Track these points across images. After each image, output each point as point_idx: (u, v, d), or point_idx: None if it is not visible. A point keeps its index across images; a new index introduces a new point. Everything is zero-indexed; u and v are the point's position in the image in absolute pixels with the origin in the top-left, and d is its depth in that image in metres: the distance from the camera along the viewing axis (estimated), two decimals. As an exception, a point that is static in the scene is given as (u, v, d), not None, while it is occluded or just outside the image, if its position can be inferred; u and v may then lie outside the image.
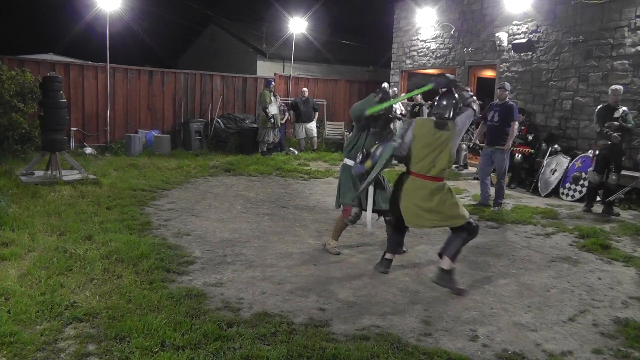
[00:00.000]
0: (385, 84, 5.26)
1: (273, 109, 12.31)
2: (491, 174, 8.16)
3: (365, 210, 5.05)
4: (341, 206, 5.34)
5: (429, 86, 4.71)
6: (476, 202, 8.09)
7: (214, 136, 13.41)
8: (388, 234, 5.21)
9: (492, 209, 7.70)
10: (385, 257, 4.92)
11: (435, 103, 4.56)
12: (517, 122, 7.96)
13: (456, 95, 4.54)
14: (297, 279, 4.61)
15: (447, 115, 4.43)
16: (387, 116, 5.10)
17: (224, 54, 19.15)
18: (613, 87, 8.00)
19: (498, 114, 7.84)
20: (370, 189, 4.96)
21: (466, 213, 4.46)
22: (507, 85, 8.21)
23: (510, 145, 7.93)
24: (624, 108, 7.88)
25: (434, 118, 4.50)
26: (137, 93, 12.79)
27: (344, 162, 5.31)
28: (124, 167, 9.88)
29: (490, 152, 7.93)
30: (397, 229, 4.86)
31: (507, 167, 7.99)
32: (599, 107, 8.18)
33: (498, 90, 8.27)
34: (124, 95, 12.56)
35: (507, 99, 8.11)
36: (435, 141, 4.37)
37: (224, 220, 6.55)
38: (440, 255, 4.55)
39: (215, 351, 3.20)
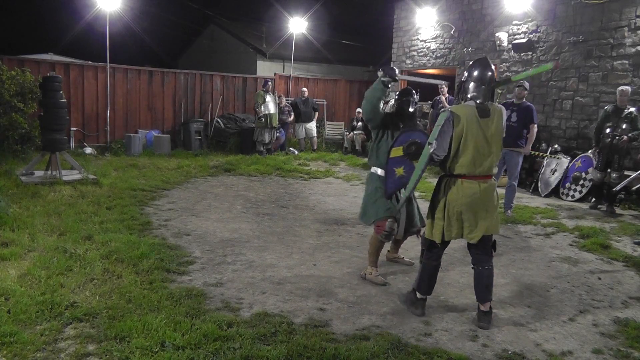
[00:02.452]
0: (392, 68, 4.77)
1: (268, 108, 12.27)
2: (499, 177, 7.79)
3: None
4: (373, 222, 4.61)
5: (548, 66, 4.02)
6: None
7: (214, 136, 13.41)
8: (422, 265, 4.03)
9: (505, 214, 7.34)
10: (417, 295, 4.02)
11: (464, 86, 3.79)
12: (536, 125, 7.49)
13: (492, 67, 3.77)
14: (297, 279, 4.60)
15: (486, 100, 3.73)
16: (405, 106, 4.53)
17: (224, 54, 19.16)
18: (621, 88, 7.92)
19: (516, 115, 7.37)
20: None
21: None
22: (527, 84, 7.69)
23: (529, 148, 7.53)
24: (632, 109, 7.83)
25: (473, 103, 3.72)
26: (137, 93, 12.80)
27: (372, 171, 4.64)
28: (124, 167, 9.88)
29: (503, 153, 6.88)
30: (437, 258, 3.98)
31: (519, 170, 7.55)
32: (605, 107, 8.12)
33: (517, 88, 7.70)
34: (124, 95, 12.56)
35: (524, 99, 7.64)
36: (487, 132, 3.66)
37: (224, 220, 6.55)
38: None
39: (215, 351, 3.20)
